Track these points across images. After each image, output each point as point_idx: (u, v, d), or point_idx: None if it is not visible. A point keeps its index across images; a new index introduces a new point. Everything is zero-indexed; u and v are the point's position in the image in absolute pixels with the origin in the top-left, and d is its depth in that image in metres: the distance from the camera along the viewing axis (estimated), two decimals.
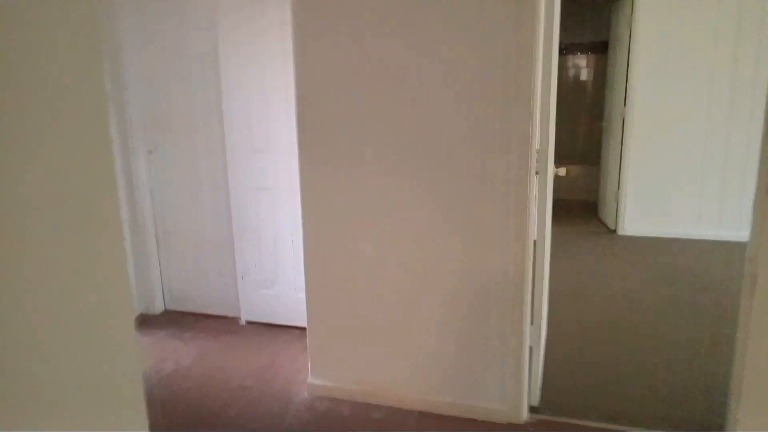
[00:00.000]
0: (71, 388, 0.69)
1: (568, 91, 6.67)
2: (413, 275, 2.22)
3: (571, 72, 6.71)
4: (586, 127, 6.73)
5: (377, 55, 2.07)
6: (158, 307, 3.46)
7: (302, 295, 2.58)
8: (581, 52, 6.59)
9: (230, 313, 3.36)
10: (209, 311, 3.42)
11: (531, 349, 2.21)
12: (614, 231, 4.99)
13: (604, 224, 5.30)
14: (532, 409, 2.24)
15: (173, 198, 3.33)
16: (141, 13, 3.11)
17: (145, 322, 3.34)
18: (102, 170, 0.73)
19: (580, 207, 6.09)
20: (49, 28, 0.65)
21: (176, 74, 3.15)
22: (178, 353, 2.92)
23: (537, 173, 2.08)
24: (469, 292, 2.15)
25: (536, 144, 2.07)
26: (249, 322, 3.29)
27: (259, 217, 3.14)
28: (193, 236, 3.35)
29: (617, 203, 4.91)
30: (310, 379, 2.45)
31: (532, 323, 2.18)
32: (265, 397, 2.47)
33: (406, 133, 2.10)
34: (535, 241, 2.16)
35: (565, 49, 6.45)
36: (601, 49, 6.22)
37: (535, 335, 2.21)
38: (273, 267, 3.17)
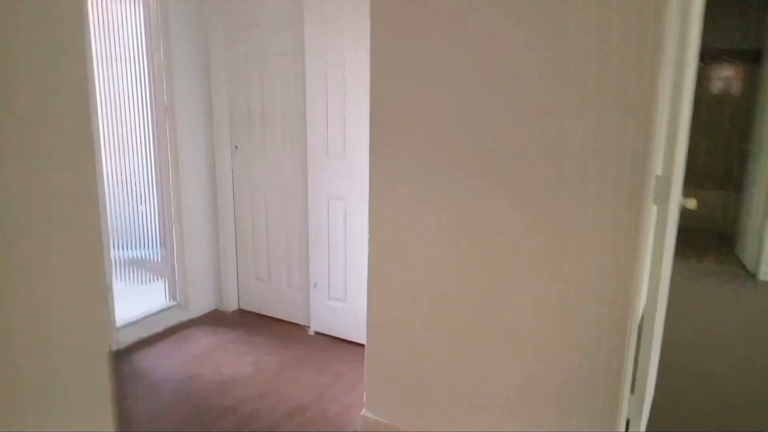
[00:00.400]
0: (41, 392, 0.72)
1: (705, 105, 5.76)
2: (490, 311, 1.88)
3: (710, 84, 5.78)
4: (727, 147, 5.76)
5: (462, 59, 1.78)
6: (231, 305, 3.44)
7: None
8: (724, 61, 5.64)
9: (301, 321, 3.24)
10: (280, 316, 3.33)
11: (629, 422, 1.77)
12: (754, 274, 4.14)
13: (741, 264, 4.44)
14: None
15: (253, 197, 3.29)
16: (227, 11, 3.10)
17: (217, 319, 3.33)
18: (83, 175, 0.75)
19: (712, 239, 5.20)
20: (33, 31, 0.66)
21: (262, 73, 3.09)
22: (242, 359, 2.84)
23: (657, 204, 1.65)
24: (555, 344, 1.77)
25: (658, 169, 1.64)
26: (318, 333, 3.14)
27: (334, 225, 2.98)
28: (270, 238, 3.28)
29: (761, 240, 4.07)
30: (365, 412, 2.22)
31: (632, 392, 1.74)
32: (316, 423, 2.28)
33: (489, 147, 1.78)
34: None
35: (705, 57, 5.55)
36: (749, 58, 5.26)
37: (635, 406, 1.77)
38: (345, 279, 3.00)
